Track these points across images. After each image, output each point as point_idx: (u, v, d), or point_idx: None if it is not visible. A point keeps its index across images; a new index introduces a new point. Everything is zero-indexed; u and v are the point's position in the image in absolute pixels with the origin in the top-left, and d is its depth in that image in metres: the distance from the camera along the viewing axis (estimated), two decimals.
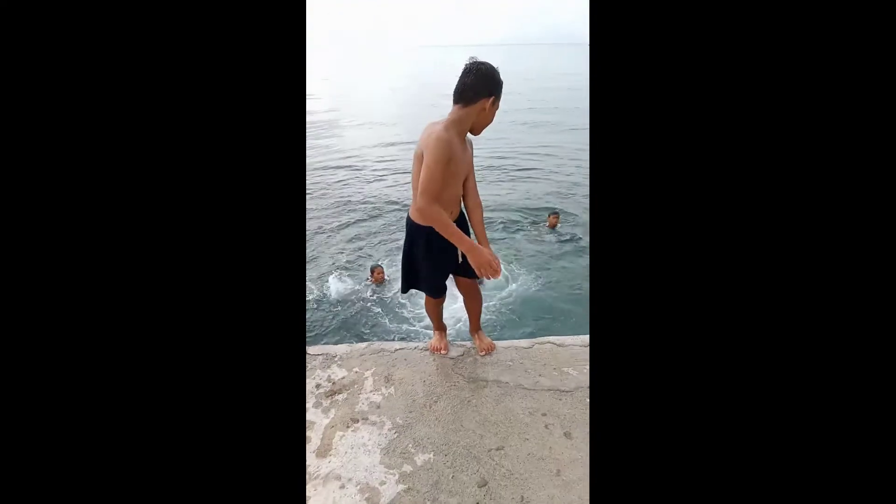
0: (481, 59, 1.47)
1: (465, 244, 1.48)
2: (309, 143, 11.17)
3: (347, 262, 5.22)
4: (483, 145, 10.17)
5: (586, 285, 4.59)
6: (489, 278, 1.50)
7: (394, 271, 4.66)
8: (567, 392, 1.66)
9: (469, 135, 1.56)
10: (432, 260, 1.69)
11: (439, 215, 1.44)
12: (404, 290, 1.83)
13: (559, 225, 5.92)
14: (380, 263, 4.75)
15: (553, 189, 7.67)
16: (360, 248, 5.60)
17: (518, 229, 6.08)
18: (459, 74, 1.47)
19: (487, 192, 7.42)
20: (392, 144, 11.11)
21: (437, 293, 1.81)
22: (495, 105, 1.49)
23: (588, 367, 1.78)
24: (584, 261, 5.13)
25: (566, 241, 5.65)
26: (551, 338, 1.98)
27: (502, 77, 1.49)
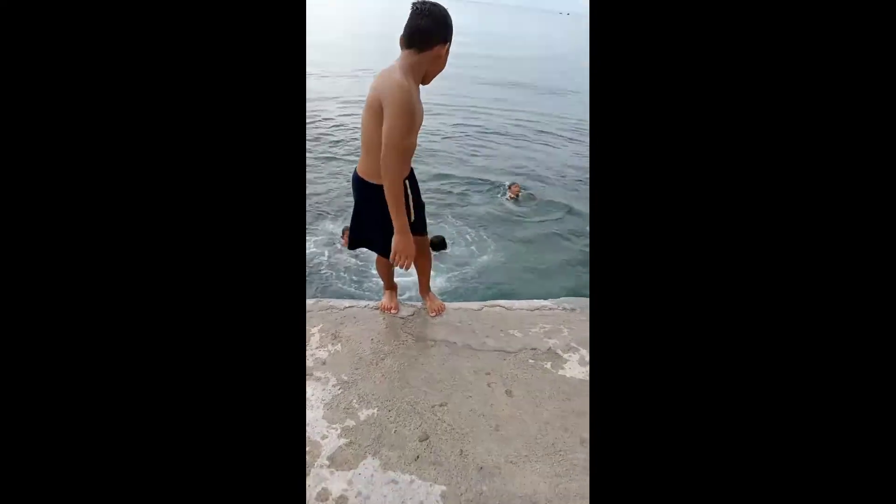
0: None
1: (400, 221, 1.42)
2: None
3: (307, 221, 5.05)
4: (447, 102, 9.95)
5: (547, 255, 4.68)
6: (398, 266, 1.51)
7: None
8: (512, 353, 1.71)
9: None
10: (386, 218, 1.64)
11: (398, 178, 1.37)
12: (352, 246, 1.78)
13: (521, 194, 5.94)
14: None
15: (519, 155, 7.66)
16: (314, 203, 5.42)
17: (477, 192, 6.07)
18: (409, 16, 1.37)
19: (449, 152, 7.32)
20: (348, 90, 10.59)
21: (389, 252, 1.78)
22: (448, 52, 1.43)
23: (533, 329, 1.83)
24: (545, 230, 5.22)
25: (527, 210, 5.69)
26: (501, 301, 2.02)
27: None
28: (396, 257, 1.45)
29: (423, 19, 1.35)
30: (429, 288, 1.96)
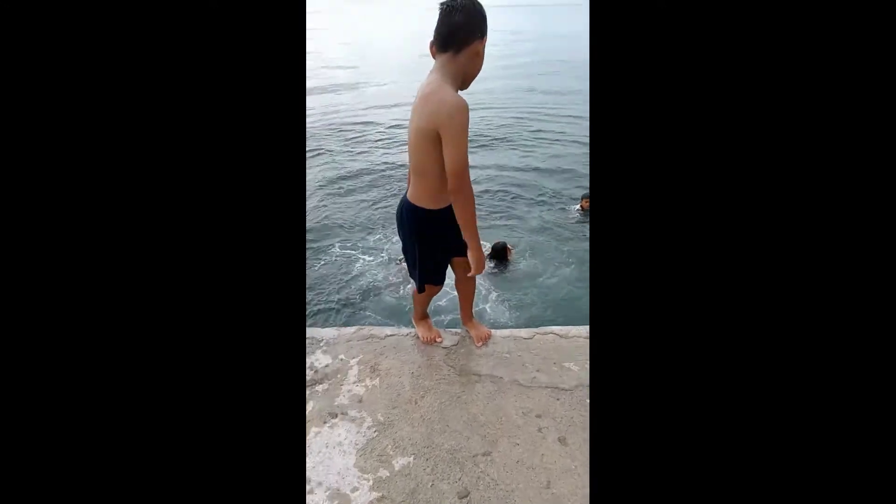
0: None
1: (478, 241, 1.44)
2: (325, 100, 10.91)
3: (367, 231, 5.05)
4: (490, 104, 9.70)
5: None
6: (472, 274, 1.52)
7: None
8: (566, 391, 1.51)
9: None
10: (444, 244, 1.55)
11: (472, 202, 1.34)
12: (421, 288, 1.68)
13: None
14: None
15: (577, 157, 7.21)
16: (368, 215, 5.44)
17: (544, 206, 5.64)
18: (439, 17, 1.26)
19: (504, 160, 7.11)
20: (397, 105, 10.66)
21: (442, 279, 1.68)
22: (484, 48, 1.31)
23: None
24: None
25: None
26: (554, 328, 1.82)
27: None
28: (477, 269, 1.47)
29: (456, 15, 1.24)
30: (472, 314, 1.81)
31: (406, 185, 1.58)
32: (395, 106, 10.30)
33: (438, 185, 1.38)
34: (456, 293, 1.82)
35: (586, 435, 1.35)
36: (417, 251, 1.57)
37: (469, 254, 1.44)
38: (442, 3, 1.25)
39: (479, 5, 1.26)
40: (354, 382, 1.58)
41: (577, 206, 5.37)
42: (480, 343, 1.74)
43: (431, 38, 1.30)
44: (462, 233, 1.41)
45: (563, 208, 5.51)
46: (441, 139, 1.27)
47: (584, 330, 1.80)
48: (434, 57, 1.32)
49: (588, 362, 1.63)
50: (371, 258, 4.54)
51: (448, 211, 1.45)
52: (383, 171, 6.80)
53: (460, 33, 1.25)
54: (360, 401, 1.51)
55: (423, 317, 1.82)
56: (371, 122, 9.36)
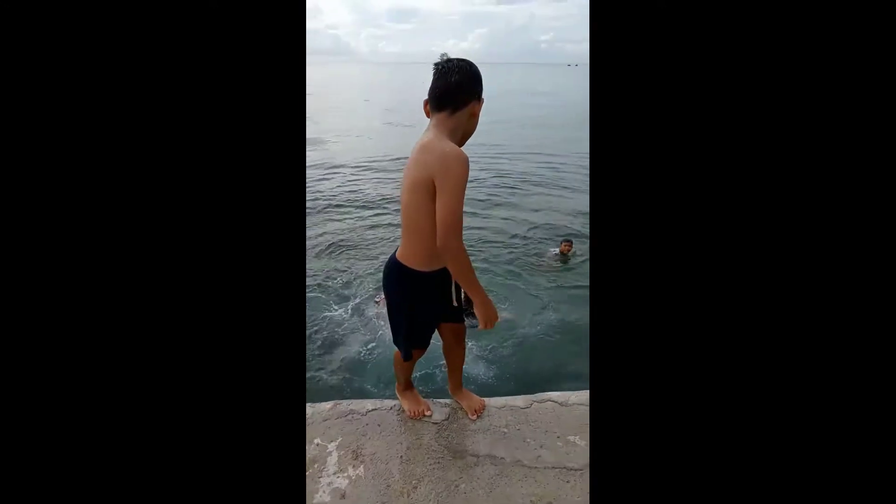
0: (452, 56, 1.24)
1: (483, 294, 1.27)
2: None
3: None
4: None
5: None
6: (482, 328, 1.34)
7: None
8: (576, 471, 1.36)
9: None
10: (434, 308, 1.42)
11: (465, 256, 1.19)
12: (408, 356, 1.51)
13: (572, 253, 5.07)
14: None
15: (555, 206, 7.23)
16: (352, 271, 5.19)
17: (518, 254, 5.40)
18: (435, 77, 1.22)
19: (482, 205, 7.12)
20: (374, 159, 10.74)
21: (428, 343, 1.53)
22: (480, 109, 1.26)
23: None
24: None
25: (580, 273, 4.84)
26: (552, 394, 1.68)
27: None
28: (487, 325, 1.31)
29: (453, 76, 1.20)
30: (461, 383, 1.66)
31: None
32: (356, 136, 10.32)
33: (432, 245, 1.25)
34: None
35: None
36: (406, 314, 1.43)
37: (476, 308, 1.29)
38: (437, 63, 1.21)
39: (475, 66, 1.22)
40: (335, 473, 1.37)
41: (556, 251, 5.26)
42: (475, 416, 1.58)
43: (426, 96, 1.25)
44: (465, 289, 1.28)
45: (538, 253, 5.44)
46: (436, 191, 1.16)
47: (584, 396, 1.68)
48: (428, 116, 1.26)
49: None
50: (338, 307, 4.29)
51: (440, 273, 1.33)
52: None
53: (457, 94, 1.20)
54: (344, 496, 1.30)
55: (408, 387, 1.65)
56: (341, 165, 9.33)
